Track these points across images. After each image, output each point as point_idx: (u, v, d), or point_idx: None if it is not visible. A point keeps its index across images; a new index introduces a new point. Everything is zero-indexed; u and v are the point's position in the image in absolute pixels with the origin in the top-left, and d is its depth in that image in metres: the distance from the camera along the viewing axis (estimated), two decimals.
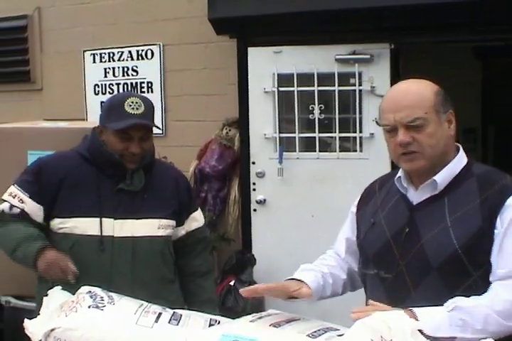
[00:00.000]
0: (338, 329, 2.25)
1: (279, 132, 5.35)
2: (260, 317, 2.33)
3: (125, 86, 6.24)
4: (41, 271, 2.93)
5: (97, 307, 2.45)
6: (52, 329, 2.38)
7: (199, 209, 3.41)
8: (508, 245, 2.18)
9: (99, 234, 3.03)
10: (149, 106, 3.09)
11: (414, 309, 2.09)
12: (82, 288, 2.58)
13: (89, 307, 2.44)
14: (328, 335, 2.16)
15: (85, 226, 3.04)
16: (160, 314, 2.48)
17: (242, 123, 5.48)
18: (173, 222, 3.20)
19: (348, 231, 2.63)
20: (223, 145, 5.56)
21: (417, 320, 2.04)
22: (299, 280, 2.44)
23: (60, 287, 2.68)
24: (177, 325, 2.43)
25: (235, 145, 5.57)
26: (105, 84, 6.38)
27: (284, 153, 5.31)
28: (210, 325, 2.47)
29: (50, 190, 3.08)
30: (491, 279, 2.19)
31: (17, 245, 3.00)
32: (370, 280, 2.47)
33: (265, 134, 5.38)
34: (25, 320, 2.52)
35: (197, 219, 3.33)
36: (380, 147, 4.91)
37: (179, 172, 3.47)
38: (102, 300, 2.49)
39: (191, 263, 3.34)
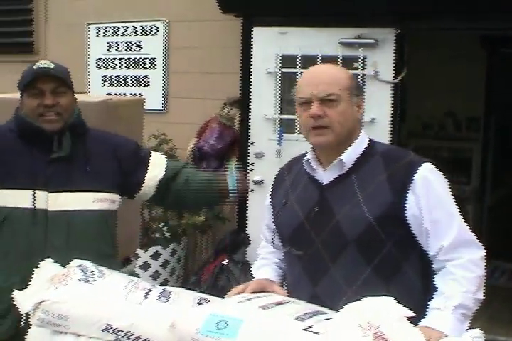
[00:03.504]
0: (327, 313, 2.26)
1: (280, 113, 5.34)
2: (249, 299, 2.34)
3: (128, 61, 6.23)
4: None
5: (87, 281, 2.45)
6: (41, 302, 2.38)
7: (149, 167, 3.15)
8: (437, 222, 2.32)
9: (32, 207, 2.91)
10: (61, 67, 3.01)
11: (433, 326, 2.18)
12: (73, 261, 2.57)
13: (78, 280, 2.44)
14: (317, 319, 2.17)
15: (17, 198, 2.91)
16: (149, 290, 2.48)
17: (243, 103, 5.47)
18: (111, 195, 3.05)
19: (268, 219, 2.70)
20: (223, 124, 5.56)
21: (446, 336, 2.14)
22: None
23: (51, 259, 2.67)
24: (166, 302, 2.43)
25: (235, 124, 5.56)
26: (108, 59, 6.36)
27: (284, 135, 5.29)
28: (199, 304, 2.46)
29: None
30: (432, 253, 2.33)
31: None
32: (287, 258, 2.59)
33: (266, 115, 5.37)
34: (15, 291, 2.53)
35: (152, 179, 3.14)
36: (381, 131, 4.91)
37: (122, 141, 3.21)
38: (93, 274, 2.49)
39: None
